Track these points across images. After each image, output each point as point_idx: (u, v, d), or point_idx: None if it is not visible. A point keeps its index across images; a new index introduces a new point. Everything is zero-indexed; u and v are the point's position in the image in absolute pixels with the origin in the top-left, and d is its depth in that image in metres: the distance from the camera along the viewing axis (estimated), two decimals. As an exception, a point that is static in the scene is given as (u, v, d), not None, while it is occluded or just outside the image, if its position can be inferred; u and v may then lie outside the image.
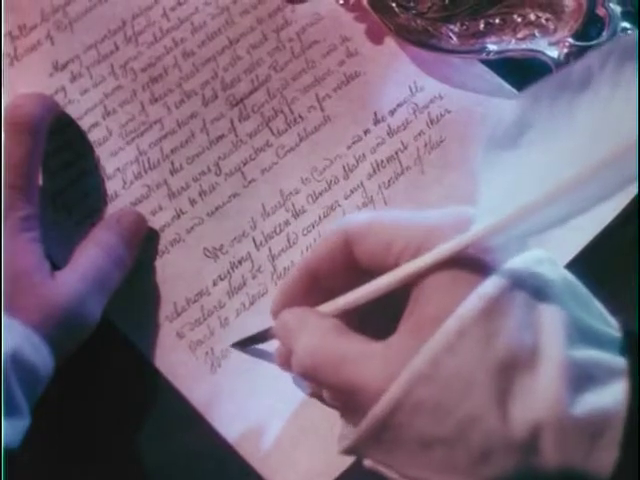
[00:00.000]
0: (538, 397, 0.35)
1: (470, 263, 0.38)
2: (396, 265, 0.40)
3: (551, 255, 0.40)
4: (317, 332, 0.41)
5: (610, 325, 0.39)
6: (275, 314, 0.44)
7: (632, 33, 0.34)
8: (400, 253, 0.40)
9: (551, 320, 0.37)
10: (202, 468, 0.47)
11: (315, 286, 0.43)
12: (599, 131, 0.34)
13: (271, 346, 0.46)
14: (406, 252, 0.39)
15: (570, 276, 0.39)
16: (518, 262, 0.38)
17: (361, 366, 0.38)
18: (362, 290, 0.41)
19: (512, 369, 0.36)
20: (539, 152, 0.36)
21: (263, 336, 0.47)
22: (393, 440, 0.38)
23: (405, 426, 0.37)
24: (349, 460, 0.45)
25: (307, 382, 0.45)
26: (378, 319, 0.41)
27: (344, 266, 0.42)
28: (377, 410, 0.37)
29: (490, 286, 0.37)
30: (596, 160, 0.34)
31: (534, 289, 0.37)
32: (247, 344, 0.48)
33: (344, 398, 0.41)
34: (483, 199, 0.38)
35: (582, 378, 0.35)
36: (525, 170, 0.37)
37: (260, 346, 0.47)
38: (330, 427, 0.46)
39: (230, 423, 0.46)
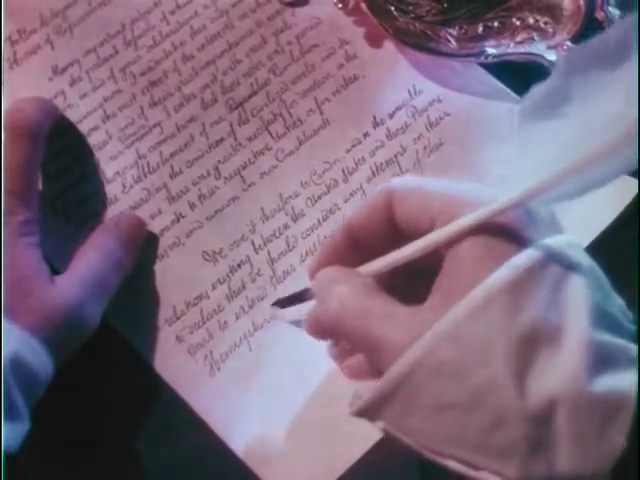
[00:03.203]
0: (557, 372, 0.36)
1: (504, 235, 0.39)
2: (430, 230, 0.40)
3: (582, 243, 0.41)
4: (350, 286, 0.41)
5: (628, 317, 0.40)
6: (313, 272, 0.45)
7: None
8: (435, 217, 0.40)
9: (578, 300, 0.37)
10: (201, 471, 0.47)
11: (355, 247, 0.44)
12: (633, 98, 0.35)
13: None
14: (441, 216, 0.40)
15: (595, 265, 0.40)
16: (551, 242, 0.39)
17: (387, 324, 0.39)
18: (398, 253, 0.42)
19: (534, 342, 0.36)
20: (575, 121, 0.37)
21: (302, 295, 0.46)
22: (408, 401, 0.38)
23: (422, 387, 0.37)
24: (348, 462, 0.45)
25: (333, 338, 0.45)
26: (412, 287, 0.41)
27: (385, 227, 0.43)
28: (396, 367, 0.37)
29: (522, 259, 0.38)
30: (629, 126, 0.35)
31: (564, 269, 0.38)
32: (286, 304, 0.48)
33: (365, 354, 0.41)
34: (518, 168, 0.38)
35: (603, 360, 0.36)
36: (561, 138, 0.37)
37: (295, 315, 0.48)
38: (329, 430, 0.46)
39: (229, 426, 0.46)
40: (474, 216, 0.39)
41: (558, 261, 0.38)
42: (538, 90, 0.37)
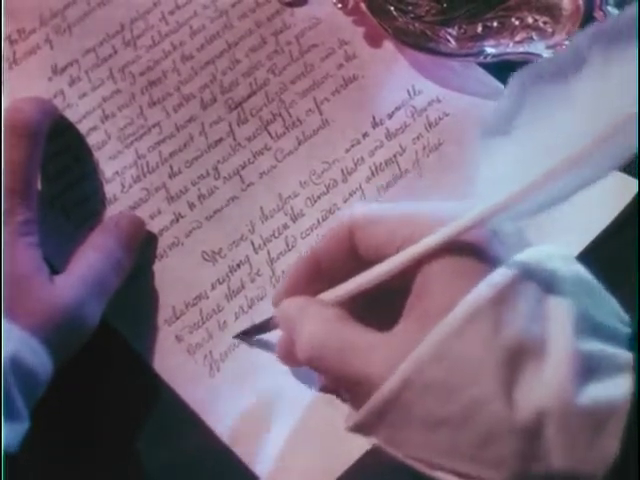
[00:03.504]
0: (544, 385, 0.36)
1: (471, 253, 0.39)
2: None
3: (565, 251, 0.41)
4: (319, 321, 0.41)
5: (623, 321, 0.40)
6: (277, 303, 0.45)
7: (618, 13, 0.35)
8: (403, 243, 0.40)
9: (559, 313, 0.37)
10: (201, 471, 0.47)
11: (318, 276, 0.44)
12: (595, 108, 0.35)
13: (275, 337, 0.46)
14: (409, 243, 0.40)
15: (584, 272, 0.40)
16: (528, 256, 0.39)
17: (365, 355, 0.39)
18: (363, 276, 0.41)
19: (519, 357, 0.36)
20: (534, 133, 0.37)
21: (266, 325, 0.47)
22: (399, 419, 0.38)
23: (411, 406, 0.37)
24: (347, 463, 0.45)
25: (313, 370, 0.45)
26: (379, 311, 0.41)
27: (347, 256, 0.42)
28: (385, 388, 0.37)
29: (500, 276, 0.38)
30: (593, 136, 0.35)
31: (543, 282, 0.38)
32: (250, 334, 0.48)
33: (348, 387, 0.41)
34: (482, 183, 0.39)
35: (589, 369, 0.36)
36: (522, 152, 0.37)
37: (264, 337, 0.47)
38: (328, 430, 0.46)
39: (229, 426, 0.46)
40: (438, 236, 0.39)
41: (537, 275, 0.38)
42: (496, 108, 0.38)
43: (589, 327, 0.37)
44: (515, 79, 0.37)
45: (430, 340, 0.37)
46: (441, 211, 0.40)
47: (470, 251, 0.39)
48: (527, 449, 0.36)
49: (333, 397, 0.46)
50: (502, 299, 0.37)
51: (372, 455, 0.45)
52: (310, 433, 0.46)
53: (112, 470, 0.46)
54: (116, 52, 0.54)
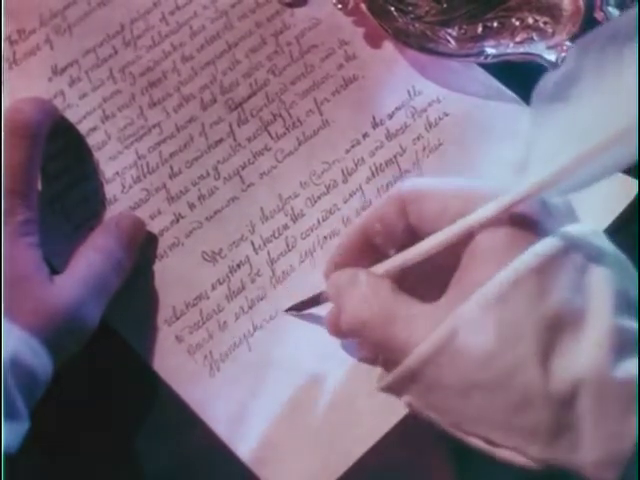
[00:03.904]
0: (582, 356, 0.36)
1: (522, 226, 0.39)
2: None
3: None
4: (368, 289, 0.41)
5: None
6: (327, 275, 0.45)
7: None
8: (455, 216, 0.40)
9: (601, 286, 0.38)
10: (201, 471, 0.47)
11: (369, 249, 0.44)
12: None
13: (324, 311, 0.46)
14: (461, 216, 0.40)
15: (620, 253, 0.40)
16: (574, 230, 0.39)
17: (410, 325, 0.39)
18: (414, 249, 0.42)
19: (559, 327, 0.37)
20: (588, 104, 0.37)
21: (316, 299, 0.47)
22: (434, 379, 0.38)
23: (448, 367, 0.38)
24: (347, 463, 0.45)
25: (353, 339, 0.46)
26: (428, 286, 0.41)
27: (399, 229, 0.43)
28: (423, 348, 0.38)
29: (546, 246, 0.38)
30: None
31: (587, 256, 0.39)
32: (301, 308, 0.48)
33: (388, 356, 0.42)
34: (534, 152, 0.39)
35: (626, 345, 0.37)
36: (575, 122, 0.37)
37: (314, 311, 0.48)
38: (329, 430, 0.46)
39: (229, 426, 0.46)
40: (490, 207, 0.39)
41: (581, 248, 0.39)
42: (552, 75, 0.38)
43: (627, 304, 0.38)
44: (578, 44, 0.37)
45: (470, 304, 0.37)
46: (492, 186, 0.41)
47: (519, 223, 0.39)
48: (559, 419, 0.36)
49: (334, 397, 0.46)
50: (546, 269, 0.37)
51: (373, 454, 0.45)
52: (311, 433, 0.46)
53: (112, 470, 0.46)
54: (116, 52, 0.54)
